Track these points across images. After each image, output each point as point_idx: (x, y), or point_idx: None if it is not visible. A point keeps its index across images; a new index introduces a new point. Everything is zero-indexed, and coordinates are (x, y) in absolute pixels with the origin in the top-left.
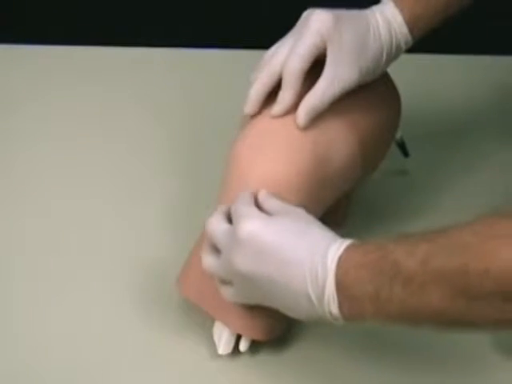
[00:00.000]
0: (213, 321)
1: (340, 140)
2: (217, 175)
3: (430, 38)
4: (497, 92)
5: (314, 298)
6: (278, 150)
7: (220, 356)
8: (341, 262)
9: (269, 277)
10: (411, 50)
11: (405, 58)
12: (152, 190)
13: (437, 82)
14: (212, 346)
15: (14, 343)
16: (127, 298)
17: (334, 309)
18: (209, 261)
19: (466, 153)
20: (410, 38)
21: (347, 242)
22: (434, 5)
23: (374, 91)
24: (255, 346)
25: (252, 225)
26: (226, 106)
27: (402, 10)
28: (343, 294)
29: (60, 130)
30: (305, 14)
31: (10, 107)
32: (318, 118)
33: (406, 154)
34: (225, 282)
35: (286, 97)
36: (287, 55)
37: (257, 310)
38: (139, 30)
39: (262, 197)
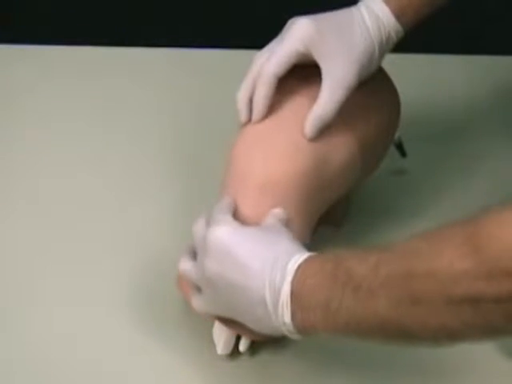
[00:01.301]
0: (213, 321)
1: (339, 141)
2: (217, 175)
3: (429, 38)
4: (497, 92)
5: (269, 306)
6: (277, 150)
7: (220, 356)
8: (298, 272)
9: (231, 282)
10: (411, 50)
11: (405, 57)
12: (152, 190)
13: (437, 82)
14: (212, 346)
15: (12, 342)
16: (127, 297)
17: (287, 318)
18: (185, 264)
19: (465, 152)
20: (399, 27)
21: (310, 254)
22: None
23: (373, 92)
24: (255, 346)
25: (220, 230)
26: (225, 106)
27: (388, 3)
28: (297, 303)
29: (60, 129)
30: (289, 22)
31: (9, 107)
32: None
33: (403, 154)
34: (198, 289)
35: (259, 101)
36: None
37: None
38: (139, 30)
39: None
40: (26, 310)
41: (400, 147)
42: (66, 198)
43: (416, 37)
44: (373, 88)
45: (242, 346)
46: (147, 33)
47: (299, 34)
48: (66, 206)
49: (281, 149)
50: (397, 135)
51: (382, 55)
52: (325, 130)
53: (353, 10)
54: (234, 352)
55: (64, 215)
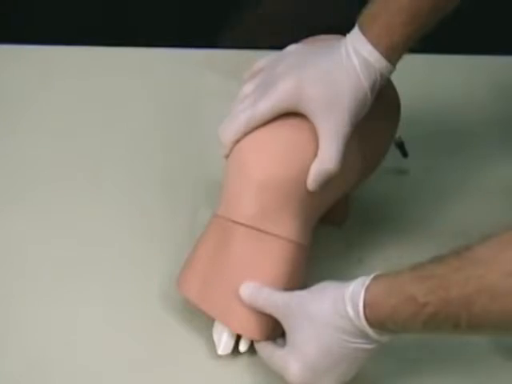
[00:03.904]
0: (213, 321)
1: None
2: (218, 176)
3: (429, 38)
4: (497, 92)
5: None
6: (280, 151)
7: (220, 356)
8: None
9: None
10: (411, 50)
11: (405, 57)
12: (152, 189)
13: (437, 82)
14: (212, 345)
15: (12, 341)
16: (126, 298)
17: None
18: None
19: (465, 152)
20: (390, 67)
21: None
22: (407, 32)
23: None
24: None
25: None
26: (225, 106)
27: (377, 45)
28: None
29: (60, 129)
30: (284, 51)
31: (9, 107)
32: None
33: (404, 154)
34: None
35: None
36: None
37: (257, 311)
38: (139, 30)
39: None
40: (25, 310)
41: (401, 147)
42: (66, 198)
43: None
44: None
45: (242, 347)
46: (147, 33)
47: (284, 95)
48: (65, 206)
49: (282, 150)
50: (397, 135)
51: (374, 93)
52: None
53: (342, 53)
54: (234, 352)
55: (64, 215)
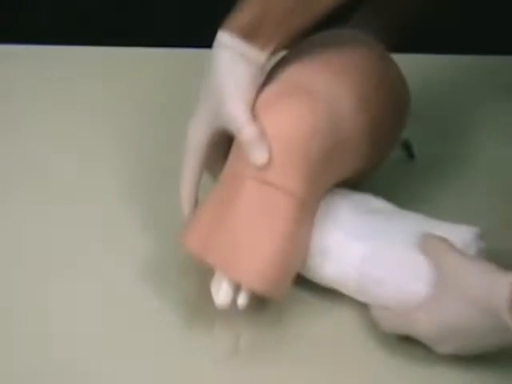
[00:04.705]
0: (213, 321)
1: (351, 109)
2: None
3: (429, 38)
4: (497, 92)
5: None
6: (292, 107)
7: (220, 356)
8: None
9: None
10: (411, 50)
11: (405, 57)
12: (152, 189)
13: (437, 82)
14: (212, 345)
15: (12, 342)
16: (126, 296)
17: None
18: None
19: (465, 152)
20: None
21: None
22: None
23: (387, 77)
24: (255, 346)
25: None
26: None
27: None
28: None
29: (59, 130)
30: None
31: (9, 107)
32: (332, 84)
33: (411, 155)
34: None
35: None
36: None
37: (263, 262)
38: (139, 30)
39: None
40: (25, 310)
41: (408, 149)
42: (66, 198)
43: (416, 37)
44: (387, 74)
45: (242, 299)
46: (147, 33)
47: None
48: (65, 206)
49: (296, 106)
50: (404, 137)
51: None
52: (338, 98)
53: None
54: (234, 353)
55: (63, 215)
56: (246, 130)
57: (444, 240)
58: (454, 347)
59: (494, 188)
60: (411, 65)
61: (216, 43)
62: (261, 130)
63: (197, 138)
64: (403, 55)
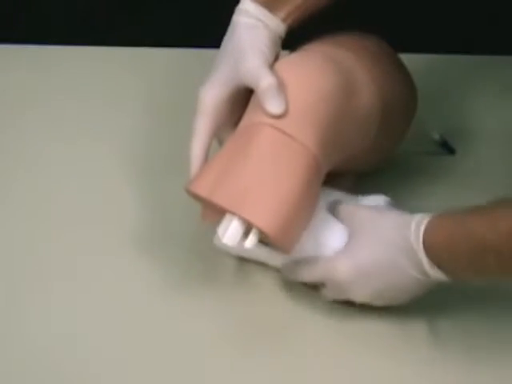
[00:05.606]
0: (213, 321)
1: (363, 83)
2: None
3: (430, 38)
4: (497, 92)
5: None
6: (308, 71)
7: (220, 356)
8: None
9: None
10: (411, 50)
11: (405, 58)
12: (152, 189)
13: (437, 82)
14: (212, 345)
15: (12, 342)
16: (126, 296)
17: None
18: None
19: (465, 152)
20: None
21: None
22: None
23: (400, 73)
24: (255, 346)
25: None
26: None
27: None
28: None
29: (59, 130)
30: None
31: (9, 107)
32: (353, 61)
33: (451, 151)
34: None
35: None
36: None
37: (274, 204)
38: (139, 29)
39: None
40: (25, 311)
41: (445, 145)
42: (66, 198)
43: (416, 37)
44: (394, 68)
45: (250, 240)
46: (147, 33)
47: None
48: (65, 206)
49: (318, 66)
50: (437, 135)
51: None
52: (352, 72)
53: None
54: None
55: (63, 215)
56: (265, 80)
57: (357, 204)
58: (371, 291)
59: (493, 187)
60: (411, 65)
61: (237, 11)
62: (280, 82)
63: (210, 100)
64: (403, 55)
